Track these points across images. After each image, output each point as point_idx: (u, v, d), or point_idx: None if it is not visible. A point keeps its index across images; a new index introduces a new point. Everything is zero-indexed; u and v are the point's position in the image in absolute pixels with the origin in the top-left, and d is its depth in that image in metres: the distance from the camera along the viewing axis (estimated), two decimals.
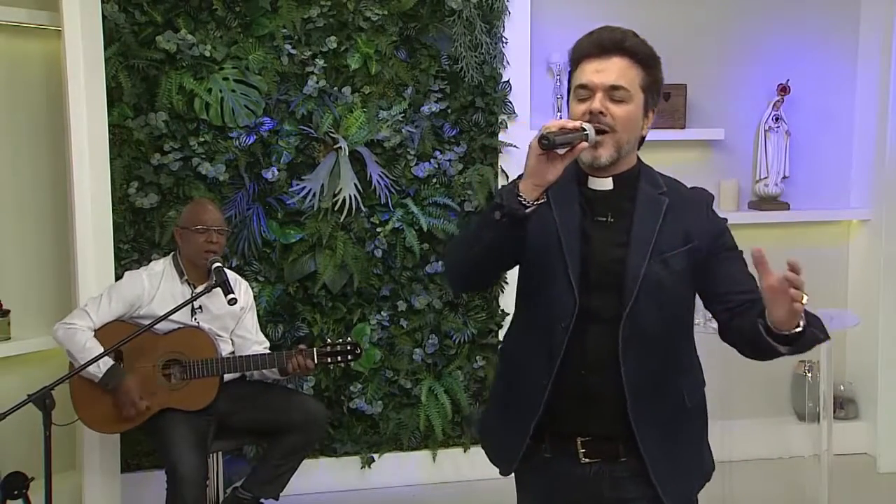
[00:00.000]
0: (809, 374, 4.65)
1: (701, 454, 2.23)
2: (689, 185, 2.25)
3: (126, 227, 4.25)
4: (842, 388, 5.04)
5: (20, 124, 4.14)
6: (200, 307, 3.70)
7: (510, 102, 4.57)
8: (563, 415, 2.10)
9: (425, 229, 4.53)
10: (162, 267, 3.73)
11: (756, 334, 1.97)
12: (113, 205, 4.11)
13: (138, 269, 3.77)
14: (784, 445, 4.73)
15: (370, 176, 4.45)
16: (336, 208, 4.44)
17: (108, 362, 3.47)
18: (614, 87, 2.03)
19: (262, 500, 3.76)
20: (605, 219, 2.10)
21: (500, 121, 4.57)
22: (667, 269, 2.07)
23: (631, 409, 2.05)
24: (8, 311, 4.05)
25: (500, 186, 1.93)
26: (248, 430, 3.78)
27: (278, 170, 4.37)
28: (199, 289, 3.60)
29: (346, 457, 4.63)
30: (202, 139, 4.28)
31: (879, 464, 4.87)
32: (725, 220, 2.20)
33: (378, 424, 4.63)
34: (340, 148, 4.40)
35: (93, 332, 3.54)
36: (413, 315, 4.60)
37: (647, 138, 5.04)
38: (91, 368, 3.39)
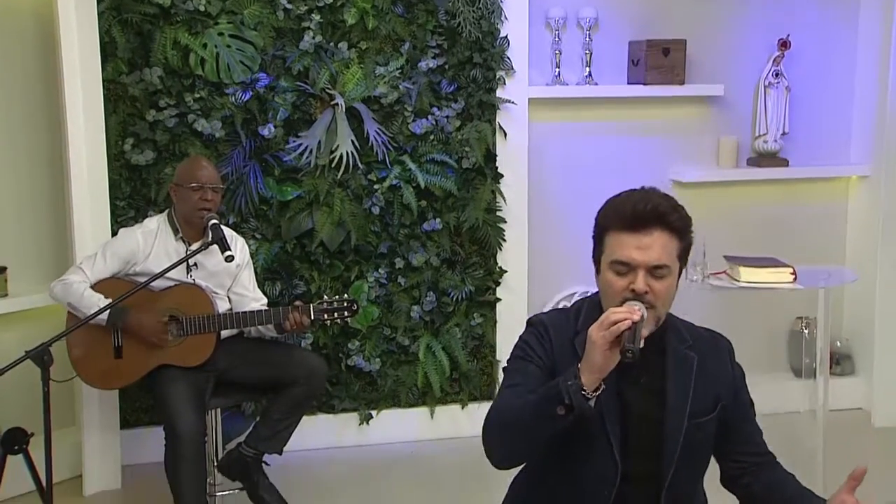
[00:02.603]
0: (806, 331, 4.66)
1: None
2: (704, 329, 2.24)
3: (122, 184, 4.23)
4: (838, 344, 5.05)
5: (13, 82, 4.10)
6: (196, 264, 3.68)
7: (508, 58, 4.53)
8: None
9: (423, 186, 4.51)
10: (156, 224, 3.71)
11: None
12: (108, 162, 4.09)
13: (133, 226, 3.76)
14: (780, 401, 4.75)
15: (367, 133, 4.42)
16: (333, 165, 4.41)
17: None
18: (658, 266, 1.99)
19: (265, 456, 3.78)
20: (637, 378, 2.07)
21: (497, 77, 4.53)
22: (701, 432, 2.08)
23: None
24: (5, 268, 4.05)
25: (559, 384, 1.90)
26: (247, 386, 3.79)
27: (275, 126, 4.34)
28: (195, 246, 3.59)
29: (344, 413, 4.65)
30: (198, 95, 4.25)
31: (874, 418, 4.91)
32: (743, 371, 2.23)
33: (376, 381, 4.65)
34: (337, 104, 4.37)
35: (88, 286, 3.55)
36: (411, 272, 4.60)
37: (645, 95, 5.00)
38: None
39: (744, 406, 2.18)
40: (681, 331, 2.14)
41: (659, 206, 2.00)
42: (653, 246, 1.98)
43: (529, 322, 2.17)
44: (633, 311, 1.88)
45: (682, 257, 2.06)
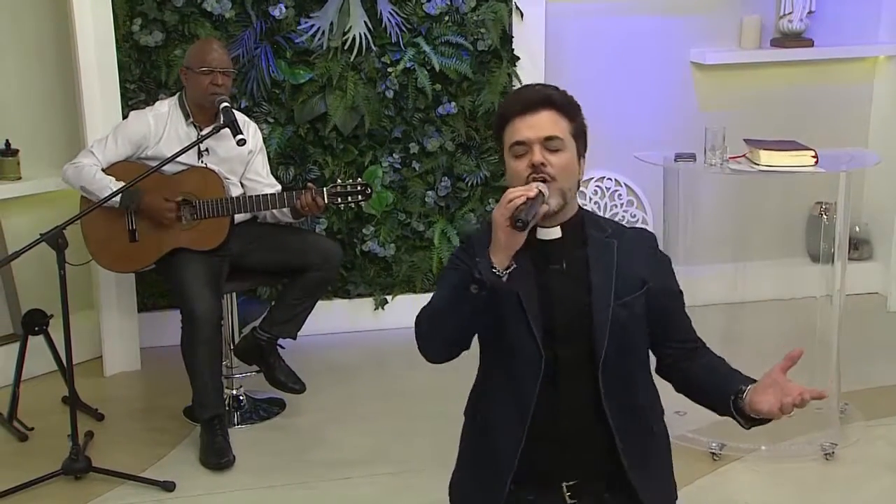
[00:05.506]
0: (825, 216, 4.60)
1: (672, 479, 2.31)
2: (628, 226, 2.35)
3: (132, 65, 4.17)
4: (857, 229, 5.01)
5: None
6: (207, 150, 3.64)
7: None
8: (543, 463, 2.17)
9: (438, 69, 4.42)
10: (167, 108, 3.66)
11: (719, 400, 2.13)
12: (116, 43, 4.02)
13: (144, 109, 3.71)
14: (797, 286, 4.73)
15: (380, 13, 4.32)
16: (346, 47, 4.33)
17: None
18: (549, 138, 2.11)
19: (280, 340, 3.81)
20: (559, 267, 2.17)
21: None
22: (627, 311, 2.16)
23: (622, 449, 2.15)
24: (17, 151, 4.03)
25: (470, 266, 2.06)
26: (262, 271, 3.79)
27: (286, 6, 4.24)
28: (206, 130, 3.54)
29: (359, 298, 4.68)
30: None
31: (890, 303, 4.91)
32: (669, 259, 2.33)
33: (391, 267, 4.66)
34: None
35: (100, 169, 3.53)
36: (425, 157, 4.55)
37: None
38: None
39: (674, 295, 2.28)
40: (600, 222, 2.26)
41: (544, 90, 2.17)
42: (542, 122, 2.12)
43: (459, 240, 2.28)
44: (528, 189, 2.02)
45: (578, 137, 2.17)
